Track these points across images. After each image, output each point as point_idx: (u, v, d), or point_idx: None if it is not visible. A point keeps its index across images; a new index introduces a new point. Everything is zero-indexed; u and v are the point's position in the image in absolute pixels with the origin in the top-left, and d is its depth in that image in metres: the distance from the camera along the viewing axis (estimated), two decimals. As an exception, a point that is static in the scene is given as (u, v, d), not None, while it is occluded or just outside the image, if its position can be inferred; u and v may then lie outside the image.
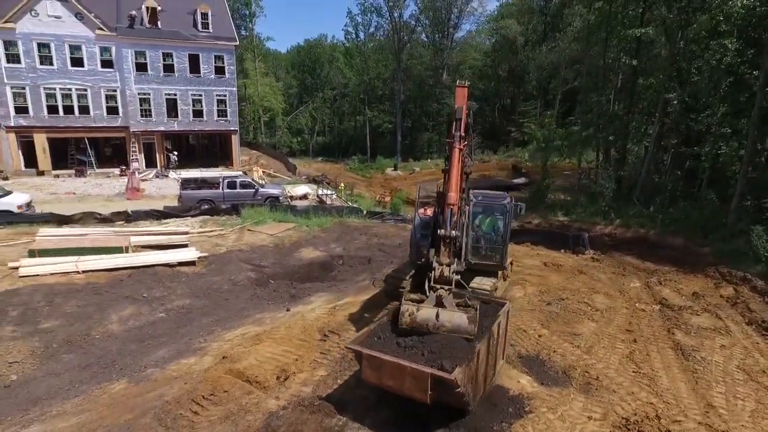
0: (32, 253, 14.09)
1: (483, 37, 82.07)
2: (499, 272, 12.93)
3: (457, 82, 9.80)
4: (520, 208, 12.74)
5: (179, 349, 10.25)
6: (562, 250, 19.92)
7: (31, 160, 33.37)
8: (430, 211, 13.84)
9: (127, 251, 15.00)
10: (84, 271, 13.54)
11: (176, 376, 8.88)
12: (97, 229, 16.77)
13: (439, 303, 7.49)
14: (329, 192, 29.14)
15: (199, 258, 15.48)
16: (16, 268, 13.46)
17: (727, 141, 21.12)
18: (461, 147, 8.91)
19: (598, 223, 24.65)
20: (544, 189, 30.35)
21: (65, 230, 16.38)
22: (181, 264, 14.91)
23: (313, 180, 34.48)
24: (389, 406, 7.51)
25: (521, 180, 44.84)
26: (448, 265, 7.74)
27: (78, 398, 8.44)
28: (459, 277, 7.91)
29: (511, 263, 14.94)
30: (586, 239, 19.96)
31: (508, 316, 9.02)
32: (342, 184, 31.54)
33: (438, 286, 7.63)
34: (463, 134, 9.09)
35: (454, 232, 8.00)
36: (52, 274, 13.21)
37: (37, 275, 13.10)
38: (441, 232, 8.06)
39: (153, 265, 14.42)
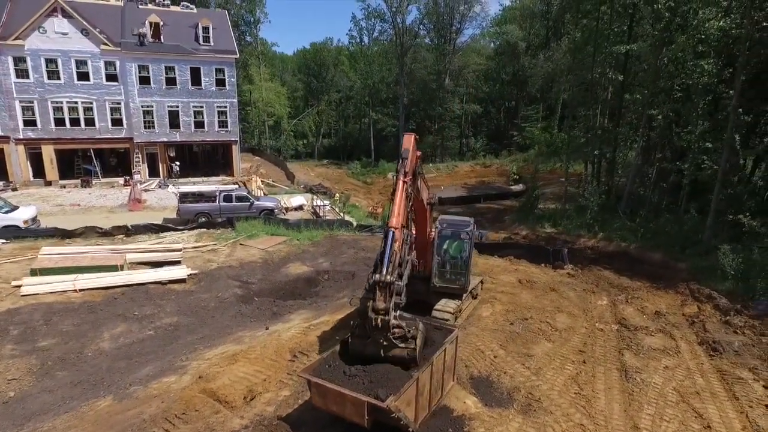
0: (34, 272, 15.17)
1: (487, 40, 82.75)
2: (466, 294, 13.76)
3: (406, 133, 10.53)
4: (482, 235, 13.54)
5: (163, 367, 11.20)
6: (543, 264, 20.61)
7: (39, 171, 34.75)
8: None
9: (122, 269, 16.03)
10: (81, 290, 14.58)
11: (156, 394, 9.83)
12: (95, 247, 17.82)
13: (382, 345, 8.07)
14: (324, 203, 30.06)
15: (189, 275, 16.46)
16: (19, 286, 14.52)
17: (706, 157, 21.67)
18: (405, 180, 9.48)
19: (582, 235, 25.33)
20: (533, 200, 30.98)
21: (65, 248, 17.45)
22: (171, 282, 15.89)
23: (310, 189, 35.44)
24: (341, 427, 8.37)
25: (519, 187, 45.41)
26: (385, 312, 7.84)
27: (68, 414, 9.40)
28: (399, 313, 8.15)
29: (482, 282, 15.75)
30: (566, 254, 20.64)
31: (456, 342, 9.84)
32: (337, 195, 32.47)
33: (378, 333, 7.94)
34: (407, 171, 9.66)
35: (389, 277, 7.98)
36: (51, 293, 14.26)
37: (38, 294, 14.14)
38: (375, 276, 8.01)
39: (145, 283, 15.41)
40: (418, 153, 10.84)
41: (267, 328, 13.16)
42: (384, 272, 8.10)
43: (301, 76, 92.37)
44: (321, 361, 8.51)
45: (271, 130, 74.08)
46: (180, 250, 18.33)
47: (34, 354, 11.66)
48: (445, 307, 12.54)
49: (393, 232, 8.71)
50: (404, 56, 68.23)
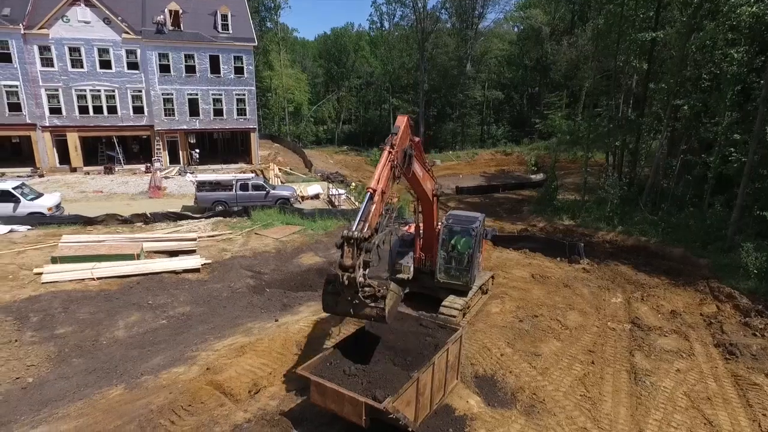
0: (54, 260, 15.63)
1: (510, 25, 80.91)
2: (476, 289, 13.66)
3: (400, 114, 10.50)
4: (488, 233, 13.34)
5: (173, 357, 11.46)
6: (558, 258, 20.30)
7: (64, 158, 35.65)
8: (412, 228, 14.70)
9: (138, 258, 16.39)
10: (98, 278, 14.97)
11: (165, 384, 10.08)
12: (113, 236, 18.25)
13: (353, 304, 8.14)
14: (340, 192, 30.09)
15: (203, 265, 16.73)
16: (40, 273, 15.00)
17: (733, 150, 20.86)
18: (390, 151, 9.45)
19: (601, 228, 24.80)
20: (552, 191, 30.41)
21: (85, 237, 17.91)
22: (186, 271, 16.18)
23: (327, 178, 35.51)
24: (341, 424, 8.46)
25: (539, 176, 44.55)
26: (351, 269, 7.84)
27: (81, 402, 9.73)
28: (367, 271, 8.14)
29: (493, 277, 15.61)
30: (581, 248, 20.26)
31: (460, 341, 9.80)
32: (353, 184, 32.44)
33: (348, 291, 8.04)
34: (394, 144, 9.57)
35: (357, 233, 7.91)
36: (70, 280, 14.69)
37: (57, 282, 14.59)
38: (344, 232, 8.01)
39: (160, 272, 15.74)
40: (417, 139, 10.84)
41: (276, 320, 13.33)
42: (354, 229, 8.01)
43: (322, 61, 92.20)
44: (322, 358, 8.58)
45: (291, 116, 74.27)
46: (195, 239, 18.63)
47: (52, 341, 12.05)
48: (452, 303, 12.48)
49: (370, 193, 8.79)
50: (425, 41, 67.28)
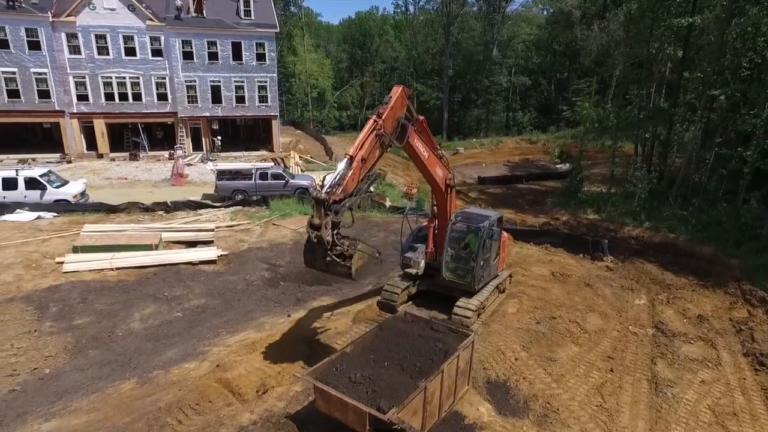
0: (76, 249, 15.93)
1: (539, 8, 78.46)
2: (492, 288, 13.31)
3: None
4: (494, 234, 12.82)
5: (186, 351, 11.53)
6: (581, 255, 19.68)
7: (92, 144, 36.39)
8: (428, 223, 14.36)
9: (156, 248, 16.56)
10: (117, 269, 15.20)
11: (175, 380, 10.13)
12: (132, 226, 18.49)
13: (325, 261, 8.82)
14: (359, 181, 29.80)
15: (219, 256, 16.81)
16: (62, 263, 15.30)
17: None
18: (377, 120, 9.44)
19: (627, 223, 23.91)
20: (577, 183, 29.49)
21: (105, 226, 18.20)
22: (202, 262, 16.29)
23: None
24: (347, 429, 8.32)
25: (565, 166, 43.38)
26: (318, 228, 8.36)
27: (94, 395, 9.86)
28: (336, 231, 8.72)
29: (510, 276, 15.19)
30: (605, 245, 19.57)
31: (472, 347, 9.52)
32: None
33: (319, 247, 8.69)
34: (381, 113, 9.54)
35: (324, 195, 8.35)
36: (89, 270, 14.95)
37: (77, 271, 14.86)
38: (315, 193, 8.54)
39: (177, 264, 15.88)
40: (420, 117, 10.92)
41: (289, 316, 13.28)
42: (324, 191, 8.45)
43: (346, 46, 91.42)
44: (328, 363, 8.42)
45: (314, 102, 74.08)
46: (212, 230, 18.74)
47: (69, 332, 12.29)
48: (466, 305, 12.15)
49: (348, 159, 9.03)
50: (450, 26, 65.86)
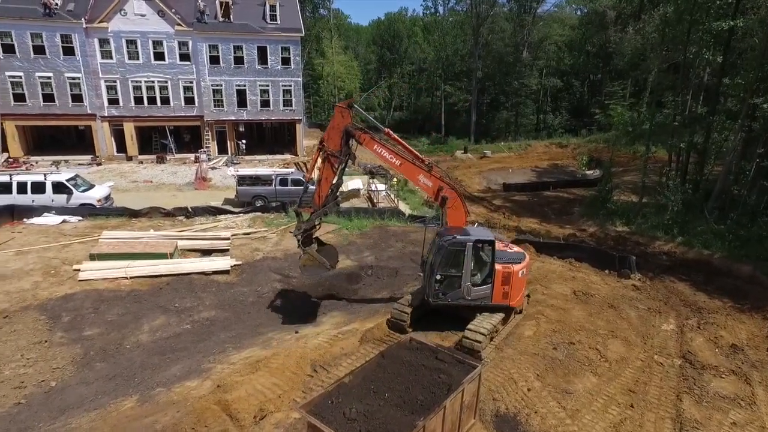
0: (93, 257, 16.11)
1: (572, 8, 76.40)
2: (509, 309, 12.72)
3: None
4: (478, 247, 11.99)
5: (190, 367, 11.39)
6: (607, 271, 18.80)
7: (121, 146, 37.27)
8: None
9: (171, 257, 16.61)
10: (131, 277, 15.28)
11: (175, 400, 9.97)
12: (150, 233, 18.65)
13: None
14: (380, 188, 29.50)
15: (233, 266, 16.73)
16: (78, 270, 15.50)
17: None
18: (320, 146, 12.64)
19: (658, 237, 22.75)
20: (605, 192, 28.30)
21: (123, 234, 18.41)
22: (215, 272, 16.23)
23: (369, 172, 34.98)
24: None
25: (596, 173, 41.87)
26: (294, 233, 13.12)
27: (95, 412, 9.79)
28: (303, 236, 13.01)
29: (528, 295, 14.54)
30: (633, 262, 18.60)
31: (479, 379, 9.01)
32: (395, 179, 31.71)
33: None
34: (323, 140, 12.54)
35: (296, 208, 13.78)
36: (104, 279, 15.08)
37: (92, 280, 15.01)
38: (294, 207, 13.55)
39: (190, 273, 15.86)
40: (386, 129, 12.94)
41: (297, 332, 13.02)
42: (296, 206, 13.51)
43: (375, 48, 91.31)
44: (323, 395, 8.06)
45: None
46: (228, 238, 18.71)
47: (79, 343, 12.35)
48: (478, 328, 11.60)
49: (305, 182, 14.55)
50: (480, 27, 64.79)
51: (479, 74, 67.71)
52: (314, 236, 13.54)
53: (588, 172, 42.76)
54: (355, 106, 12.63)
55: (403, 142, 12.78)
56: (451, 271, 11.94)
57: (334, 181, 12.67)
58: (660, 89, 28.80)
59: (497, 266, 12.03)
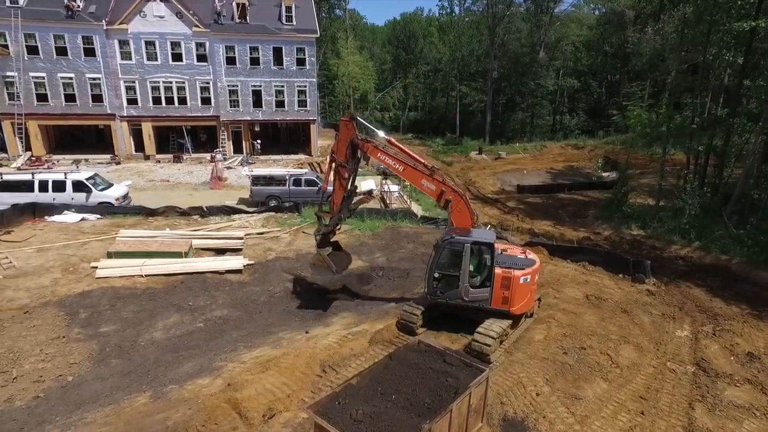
0: (110, 255, 16.47)
1: (591, 7, 75.54)
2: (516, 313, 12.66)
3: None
4: (476, 248, 12.03)
5: (202, 365, 11.58)
6: (621, 275, 18.56)
7: (139, 146, 37.94)
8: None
9: (186, 255, 16.89)
10: (146, 276, 15.58)
11: (186, 397, 10.16)
12: (165, 232, 18.99)
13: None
14: (393, 189, 29.54)
15: (245, 266, 16.94)
16: (96, 268, 15.85)
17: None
18: (331, 158, 13.70)
19: (675, 242, 22.40)
20: (621, 195, 27.93)
21: (139, 233, 18.77)
22: (228, 272, 16.46)
23: (383, 172, 34.99)
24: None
25: (612, 175, 41.34)
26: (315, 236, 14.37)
27: (110, 407, 10.01)
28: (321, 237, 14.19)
29: (539, 300, 14.45)
30: (648, 266, 18.33)
31: (487, 383, 9.00)
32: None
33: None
34: (333, 151, 13.50)
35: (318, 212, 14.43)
36: (120, 276, 15.40)
37: (109, 277, 15.34)
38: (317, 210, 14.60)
39: (203, 272, 16.11)
40: (389, 138, 13.50)
41: (307, 332, 13.14)
42: (318, 209, 14.44)
43: (390, 48, 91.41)
44: (331, 396, 8.15)
45: (356, 103, 74.46)
46: (241, 238, 18.94)
47: (95, 339, 12.65)
48: (487, 331, 11.58)
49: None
50: (496, 27, 64.42)
51: (495, 74, 67.30)
52: (332, 239, 14.57)
53: (604, 174, 42.25)
54: (358, 118, 13.41)
55: (405, 148, 13.34)
56: (449, 271, 12.16)
57: (347, 188, 13.54)
58: (678, 91, 28.31)
59: (497, 270, 11.94)
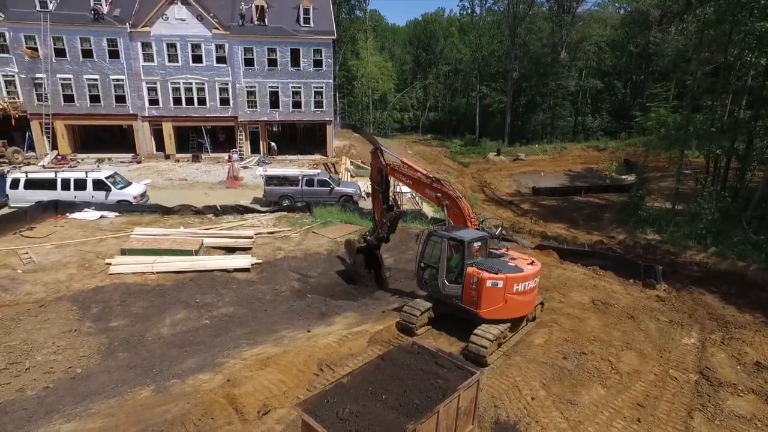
0: (124, 252, 17.01)
1: (615, 6, 74.22)
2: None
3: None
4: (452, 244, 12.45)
5: (205, 361, 11.90)
6: (632, 280, 18.28)
7: (160, 145, 38.90)
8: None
9: (197, 253, 17.32)
10: (157, 272, 16.04)
11: (187, 392, 10.47)
12: (178, 230, 19.49)
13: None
14: (405, 190, 29.55)
15: (253, 264, 17.28)
16: (110, 264, 16.40)
17: None
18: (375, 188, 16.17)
19: (690, 247, 21.92)
20: (637, 198, 27.41)
21: (152, 230, 19.32)
22: (236, 270, 16.81)
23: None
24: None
25: (630, 178, 40.55)
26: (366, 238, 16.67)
27: (114, 399, 10.40)
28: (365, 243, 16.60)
29: (542, 303, 14.35)
30: (659, 271, 18.00)
31: (477, 385, 9.04)
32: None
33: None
34: (371, 178, 16.44)
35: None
36: (132, 273, 15.90)
37: (122, 273, 15.85)
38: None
39: (212, 270, 16.50)
40: (401, 159, 15.71)
41: (309, 331, 13.35)
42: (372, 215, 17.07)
43: (411, 48, 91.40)
44: (321, 394, 8.30)
45: (375, 104, 74.74)
46: (251, 237, 19.31)
47: (105, 333, 13.11)
48: (484, 333, 11.59)
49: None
50: (517, 27, 63.87)
51: (515, 75, 66.76)
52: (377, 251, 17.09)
53: (622, 177, 41.48)
54: (381, 147, 15.70)
55: (415, 166, 15.35)
56: (431, 262, 13.05)
57: (381, 206, 16.07)
58: (699, 92, 27.62)
59: (469, 268, 12.14)
